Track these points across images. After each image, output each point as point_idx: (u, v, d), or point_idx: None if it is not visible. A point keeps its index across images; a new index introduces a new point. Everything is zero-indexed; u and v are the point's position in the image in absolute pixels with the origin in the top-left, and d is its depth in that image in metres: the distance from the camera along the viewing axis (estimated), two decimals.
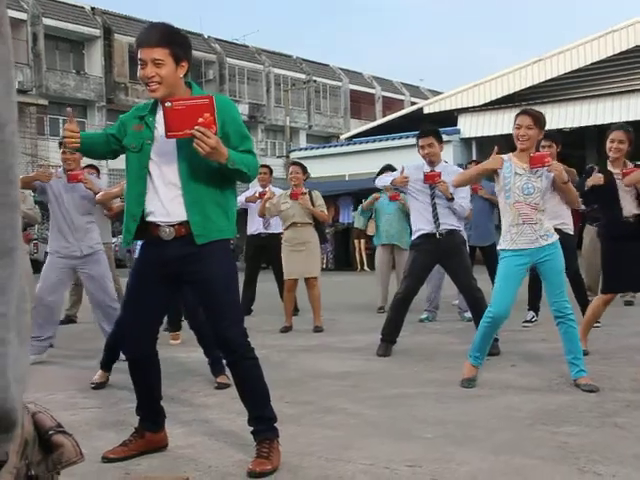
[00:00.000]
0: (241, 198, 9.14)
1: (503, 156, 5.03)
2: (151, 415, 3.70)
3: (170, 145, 3.41)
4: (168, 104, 3.22)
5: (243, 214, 10.19)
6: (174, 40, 3.40)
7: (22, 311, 0.53)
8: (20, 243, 0.52)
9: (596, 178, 5.78)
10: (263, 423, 3.48)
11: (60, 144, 6.42)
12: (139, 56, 3.37)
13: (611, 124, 7.67)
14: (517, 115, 5.02)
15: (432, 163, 6.41)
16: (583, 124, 21.17)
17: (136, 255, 5.33)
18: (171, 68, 3.36)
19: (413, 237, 6.56)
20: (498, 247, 5.11)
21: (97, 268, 6.32)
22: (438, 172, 6.26)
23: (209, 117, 3.18)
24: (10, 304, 0.50)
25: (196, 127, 3.14)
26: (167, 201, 3.43)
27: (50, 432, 0.63)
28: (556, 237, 4.99)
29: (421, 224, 6.40)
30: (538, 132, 4.96)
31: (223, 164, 3.27)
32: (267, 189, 8.81)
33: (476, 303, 6.22)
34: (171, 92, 3.37)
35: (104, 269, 6.38)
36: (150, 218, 3.47)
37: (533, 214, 4.90)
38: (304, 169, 8.36)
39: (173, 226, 3.42)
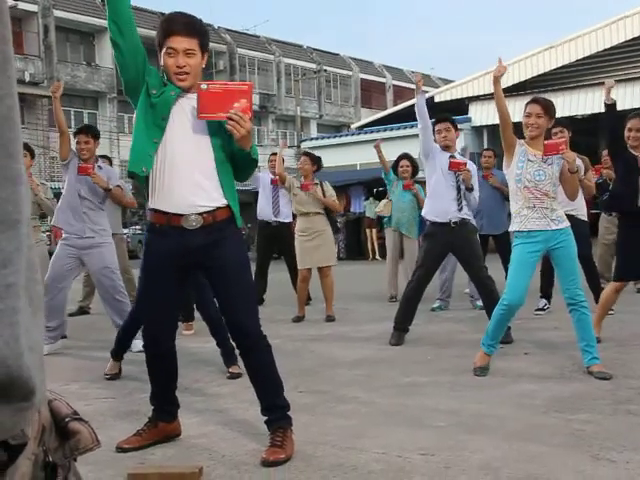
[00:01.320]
0: (265, 176, 9.15)
1: (519, 140, 5.03)
2: (165, 405, 3.72)
3: (197, 128, 3.36)
4: (204, 86, 3.25)
5: (253, 204, 10.20)
6: (202, 31, 3.45)
7: (32, 281, 0.54)
8: (25, 217, 0.53)
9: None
10: (276, 412, 3.49)
11: (75, 134, 6.43)
12: (169, 44, 3.34)
13: (623, 111, 7.62)
14: (527, 103, 5.01)
15: (448, 148, 6.43)
16: (595, 111, 21.01)
17: None
18: (199, 59, 3.41)
19: (427, 225, 6.56)
20: (510, 228, 5.10)
21: (98, 260, 6.24)
22: (464, 161, 6.35)
23: (246, 103, 3.26)
24: (19, 273, 0.51)
25: (233, 111, 3.20)
26: (197, 187, 3.36)
27: (66, 419, 0.63)
28: (567, 224, 4.98)
29: (435, 212, 6.38)
30: (548, 120, 4.95)
31: (246, 151, 3.35)
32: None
33: (488, 291, 6.22)
34: (194, 83, 3.38)
35: (107, 261, 6.28)
36: (168, 208, 3.39)
37: (543, 199, 4.90)
38: (314, 160, 8.32)
39: (201, 214, 3.39)
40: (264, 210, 9.35)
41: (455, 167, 6.28)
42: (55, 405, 0.63)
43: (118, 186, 6.44)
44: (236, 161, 3.46)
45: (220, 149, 3.40)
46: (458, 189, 6.35)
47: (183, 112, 3.38)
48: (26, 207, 0.53)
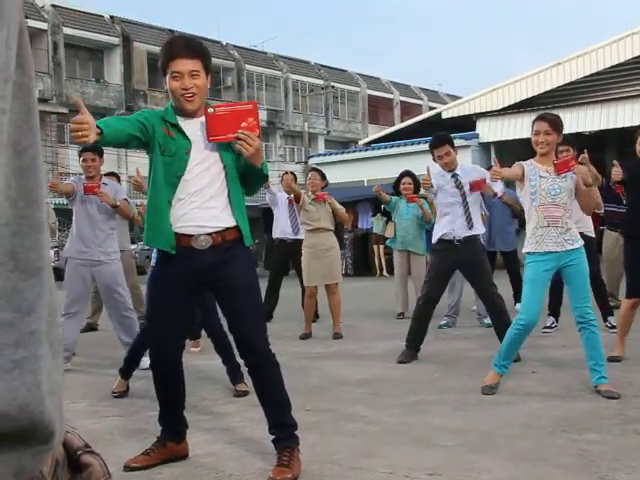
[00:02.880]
0: (282, 195, 9.19)
1: (525, 162, 5.04)
2: (173, 425, 3.73)
3: (207, 154, 3.44)
4: (210, 110, 3.36)
5: (261, 219, 10.22)
6: (204, 52, 3.52)
7: (53, 325, 0.56)
8: (47, 263, 0.55)
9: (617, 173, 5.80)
10: (284, 430, 3.49)
11: (79, 153, 6.48)
12: (173, 68, 3.39)
13: (631, 127, 7.63)
14: (534, 121, 5.03)
15: (450, 170, 6.41)
16: (603, 127, 21.03)
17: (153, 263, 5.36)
18: (204, 79, 3.46)
19: (433, 241, 6.55)
20: (524, 250, 5.08)
21: (107, 276, 6.31)
22: (482, 179, 6.27)
23: (253, 121, 3.34)
24: (41, 320, 0.53)
25: (240, 130, 3.28)
26: (207, 210, 3.43)
27: (78, 452, 0.65)
28: (581, 242, 4.99)
29: (442, 229, 6.39)
30: (557, 136, 4.97)
31: (258, 168, 3.41)
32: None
33: (496, 309, 6.21)
34: (203, 103, 3.44)
35: (116, 278, 6.35)
36: (180, 229, 3.44)
37: (560, 215, 4.90)
38: (323, 176, 8.39)
39: (211, 235, 3.44)
40: (282, 228, 9.39)
41: (477, 187, 6.25)
42: (68, 438, 0.65)
43: (125, 199, 6.49)
44: (247, 177, 3.53)
45: (231, 168, 3.47)
46: (465, 206, 6.34)
47: (196, 142, 3.45)
48: (47, 253, 0.55)
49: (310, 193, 8.19)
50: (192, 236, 3.43)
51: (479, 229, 6.43)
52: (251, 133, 3.29)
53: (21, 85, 0.55)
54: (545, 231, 4.91)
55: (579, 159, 7.23)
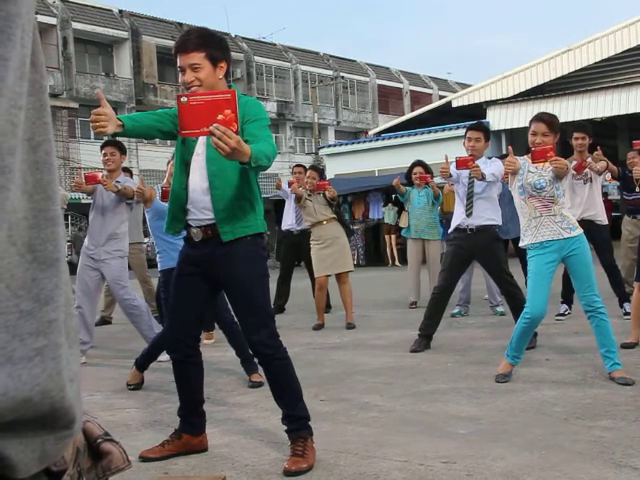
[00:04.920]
0: (285, 187, 9.18)
1: (519, 158, 5.07)
2: (191, 417, 3.75)
3: (203, 145, 3.46)
4: (184, 99, 2.99)
5: (272, 211, 10.25)
6: (209, 42, 3.47)
7: (70, 315, 0.58)
8: (63, 254, 0.57)
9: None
10: (295, 422, 3.51)
11: (101, 147, 6.52)
12: (178, 64, 3.45)
13: None
14: (531, 121, 5.05)
15: (473, 157, 6.40)
16: (614, 113, 20.91)
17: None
18: (209, 70, 3.43)
19: (449, 231, 6.59)
20: (521, 244, 5.08)
21: (110, 274, 6.33)
22: (470, 157, 6.24)
23: (230, 114, 2.92)
24: (59, 310, 0.55)
25: (214, 125, 2.89)
26: (197, 202, 3.49)
27: (98, 440, 0.67)
28: (580, 230, 4.97)
29: (457, 219, 6.43)
30: (553, 137, 4.98)
31: (246, 162, 3.07)
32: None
33: (512, 298, 6.20)
34: None
35: (117, 273, 6.34)
36: (188, 218, 3.54)
37: (550, 206, 4.91)
38: (320, 173, 8.55)
39: (200, 228, 3.49)
40: (286, 220, 9.48)
41: (463, 164, 6.22)
42: (88, 426, 0.66)
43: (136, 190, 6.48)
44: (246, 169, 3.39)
45: (218, 161, 3.32)
46: (469, 195, 6.37)
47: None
48: (63, 245, 0.56)
49: (308, 187, 8.20)
50: (191, 227, 3.52)
51: (494, 219, 6.43)
52: (226, 129, 2.88)
53: (34, 82, 0.57)
54: (539, 221, 4.92)
55: (593, 154, 7.21)
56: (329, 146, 28.81)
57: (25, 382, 0.51)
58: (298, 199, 8.27)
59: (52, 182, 0.57)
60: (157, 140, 29.36)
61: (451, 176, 6.30)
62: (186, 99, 2.99)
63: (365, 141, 27.23)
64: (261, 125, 3.41)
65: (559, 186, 4.97)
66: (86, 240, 6.48)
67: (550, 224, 4.90)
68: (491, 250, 6.33)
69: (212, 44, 3.47)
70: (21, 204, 0.54)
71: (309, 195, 8.14)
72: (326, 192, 8.08)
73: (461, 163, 6.15)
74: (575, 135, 7.14)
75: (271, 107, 38.17)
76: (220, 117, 2.91)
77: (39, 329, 0.53)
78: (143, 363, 5.43)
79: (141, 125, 3.38)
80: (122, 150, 6.42)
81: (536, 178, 4.94)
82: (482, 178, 6.16)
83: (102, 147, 6.47)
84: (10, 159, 0.51)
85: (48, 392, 0.53)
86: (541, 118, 5.02)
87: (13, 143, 0.52)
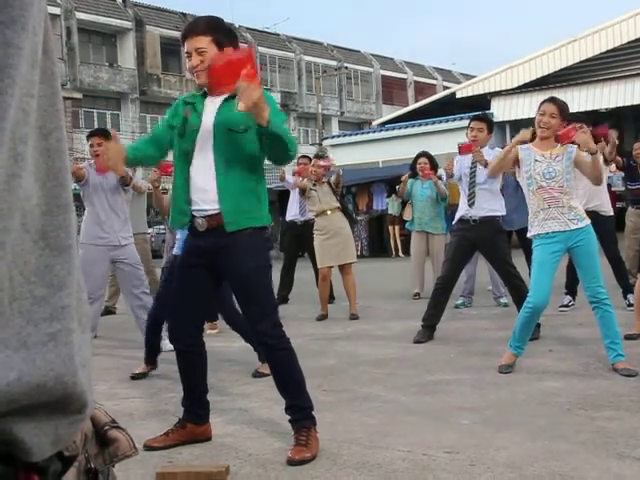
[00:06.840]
0: (289, 178, 9.16)
1: (522, 146, 5.04)
2: (194, 407, 3.76)
3: (208, 135, 3.46)
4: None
5: (276, 202, 10.25)
6: (215, 27, 3.50)
7: (81, 301, 0.58)
8: (74, 241, 0.57)
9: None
10: (298, 412, 3.52)
11: (87, 137, 6.52)
12: (185, 50, 3.49)
13: None
14: (542, 102, 5.02)
15: (476, 142, 6.42)
16: (620, 104, 20.85)
17: (176, 247, 5.41)
18: (214, 53, 3.44)
19: (454, 222, 6.62)
20: (528, 234, 5.08)
21: (132, 257, 6.41)
22: (471, 143, 6.29)
23: (251, 69, 3.10)
24: (72, 296, 0.56)
25: (240, 79, 3.05)
26: (201, 192, 3.48)
27: (105, 427, 0.67)
28: (588, 221, 4.96)
29: (460, 210, 6.46)
30: (559, 122, 4.95)
31: (264, 126, 3.17)
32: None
33: (515, 289, 6.21)
34: None
35: (137, 257, 6.51)
36: (192, 208, 3.53)
37: (559, 197, 4.89)
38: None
39: (205, 218, 3.48)
40: (290, 211, 9.48)
41: (466, 149, 6.25)
42: (95, 414, 0.67)
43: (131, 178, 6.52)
44: (264, 145, 3.38)
45: (225, 152, 3.42)
46: (471, 185, 6.40)
47: (206, 121, 3.48)
48: (75, 232, 0.57)
49: (312, 177, 8.20)
50: (195, 217, 3.51)
51: (497, 210, 6.44)
52: (249, 84, 3.04)
53: (46, 69, 0.57)
54: (547, 213, 4.90)
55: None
56: (333, 137, 28.79)
57: (39, 367, 0.52)
58: (302, 191, 8.29)
59: (64, 169, 0.57)
60: None
61: (453, 176, 6.38)
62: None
63: (369, 132, 27.19)
64: (276, 111, 3.40)
65: (569, 177, 4.94)
66: (91, 232, 6.39)
67: (558, 216, 4.88)
68: (494, 242, 6.34)
69: (217, 28, 3.51)
70: (34, 191, 0.54)
71: (314, 185, 8.14)
72: (331, 178, 8.10)
73: (464, 148, 6.21)
74: (575, 126, 7.12)
75: (275, 98, 38.01)
76: (244, 71, 3.07)
77: (52, 314, 0.54)
78: (147, 355, 5.45)
79: (141, 156, 3.66)
80: (107, 138, 6.40)
81: (544, 167, 4.92)
82: (485, 164, 6.17)
83: (88, 137, 6.46)
84: (23, 147, 0.52)
85: (61, 377, 0.53)
86: (553, 100, 5.02)
87: (25, 131, 0.52)
